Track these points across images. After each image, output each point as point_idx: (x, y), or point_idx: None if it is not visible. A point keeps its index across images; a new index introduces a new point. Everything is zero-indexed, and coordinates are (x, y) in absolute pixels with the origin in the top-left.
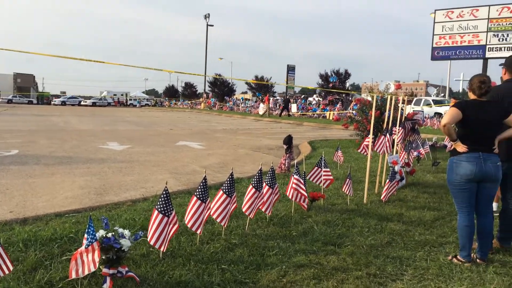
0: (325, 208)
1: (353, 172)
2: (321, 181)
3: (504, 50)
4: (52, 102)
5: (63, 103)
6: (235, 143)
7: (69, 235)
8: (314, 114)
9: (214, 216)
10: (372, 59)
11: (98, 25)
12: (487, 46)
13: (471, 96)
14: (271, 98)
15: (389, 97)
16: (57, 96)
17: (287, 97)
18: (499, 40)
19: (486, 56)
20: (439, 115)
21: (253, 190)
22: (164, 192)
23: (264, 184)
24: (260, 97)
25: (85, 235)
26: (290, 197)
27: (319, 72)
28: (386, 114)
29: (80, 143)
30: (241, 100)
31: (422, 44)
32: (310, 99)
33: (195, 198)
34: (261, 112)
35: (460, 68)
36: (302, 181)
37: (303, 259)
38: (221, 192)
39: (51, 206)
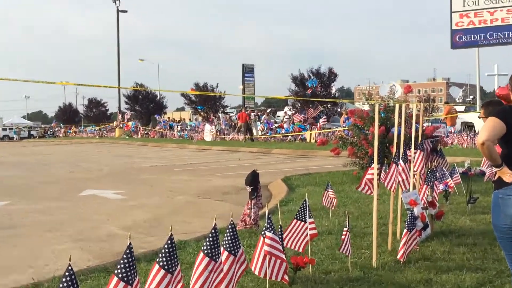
0: (315, 278)
1: (353, 221)
2: (302, 243)
3: None
4: None
5: None
6: (171, 187)
7: None
8: (286, 135)
9: None
10: (367, 51)
11: None
12: None
13: None
14: (223, 116)
15: (396, 105)
16: None
17: (246, 111)
18: None
19: None
20: (469, 127)
21: (206, 259)
22: None
23: (222, 249)
24: (203, 112)
25: None
26: (258, 273)
27: (290, 73)
28: (395, 131)
29: None
30: (177, 122)
31: (439, 28)
32: (280, 113)
33: (115, 280)
34: (207, 138)
35: (494, 57)
36: (278, 239)
37: None
38: (157, 267)
39: None
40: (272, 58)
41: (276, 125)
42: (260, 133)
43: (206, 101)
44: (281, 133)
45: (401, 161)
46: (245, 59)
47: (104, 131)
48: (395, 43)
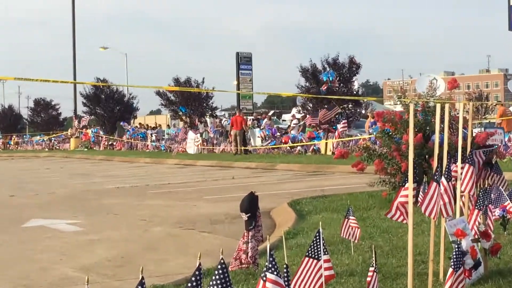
0: None
1: (382, 258)
2: (315, 287)
3: None
4: None
5: None
6: (144, 215)
7: None
8: (295, 146)
9: None
10: (399, 34)
11: None
12: None
13: None
14: (211, 120)
15: (438, 105)
16: None
17: (241, 115)
18: None
19: None
20: None
21: None
22: None
23: None
24: (185, 117)
25: None
26: None
27: (299, 64)
28: (436, 138)
29: None
30: (151, 130)
31: (494, 5)
32: (287, 117)
33: None
34: (191, 151)
35: None
36: (282, 283)
37: None
38: None
39: None
40: (275, 44)
41: (280, 133)
42: (260, 142)
43: (189, 101)
44: (284, 142)
45: (443, 179)
46: (240, 47)
47: (56, 142)
48: (437, 24)
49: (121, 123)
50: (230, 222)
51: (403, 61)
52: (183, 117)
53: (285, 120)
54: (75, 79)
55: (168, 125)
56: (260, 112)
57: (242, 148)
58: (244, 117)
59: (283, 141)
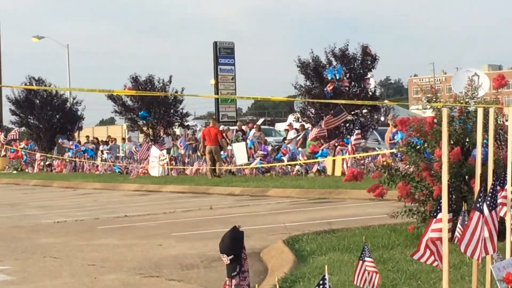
0: None
1: None
2: None
3: None
4: None
5: None
6: (92, 259)
7: None
8: (292, 165)
9: None
10: (429, 17)
11: None
12: None
13: None
14: (182, 131)
15: (480, 110)
16: None
17: (216, 125)
18: None
19: None
20: None
21: None
22: None
23: None
24: (146, 128)
25: None
26: None
27: (297, 56)
28: (478, 153)
29: None
30: (103, 145)
31: None
32: (281, 126)
33: None
34: (154, 172)
35: None
36: None
37: None
38: None
39: None
40: (264, 31)
41: (272, 146)
42: (244, 161)
43: (152, 107)
44: (282, 162)
45: (484, 207)
46: (219, 35)
47: None
48: (479, 5)
49: (60, 140)
50: (207, 266)
51: (434, 53)
52: (144, 128)
53: (279, 131)
54: None
55: (123, 138)
56: (246, 120)
57: (219, 168)
58: (221, 127)
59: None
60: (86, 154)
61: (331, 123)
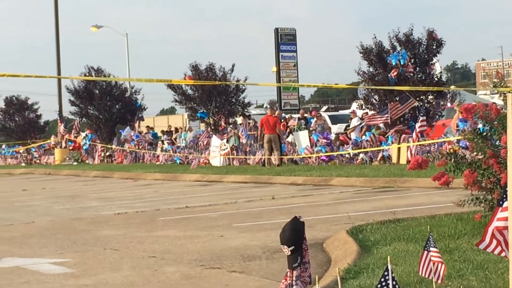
0: None
1: None
2: None
3: None
4: None
5: None
6: (153, 251)
7: None
8: (355, 152)
9: None
10: (496, 1)
11: None
12: None
13: None
14: (243, 121)
15: None
16: None
17: (276, 114)
18: None
19: None
20: None
21: None
22: None
23: None
24: (207, 118)
25: None
26: None
27: (359, 42)
28: None
29: None
30: (165, 135)
31: None
32: (345, 113)
33: None
34: (216, 162)
35: None
36: None
37: None
38: None
39: None
40: (326, 16)
41: (334, 135)
42: (303, 149)
43: (212, 96)
44: (347, 149)
45: None
46: (278, 19)
47: (35, 154)
48: None
49: (120, 131)
50: (269, 257)
51: (503, 36)
52: (206, 119)
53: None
54: (59, 69)
55: (184, 129)
56: (309, 108)
57: (280, 157)
58: (280, 115)
59: (340, 141)
60: (146, 144)
61: (398, 110)
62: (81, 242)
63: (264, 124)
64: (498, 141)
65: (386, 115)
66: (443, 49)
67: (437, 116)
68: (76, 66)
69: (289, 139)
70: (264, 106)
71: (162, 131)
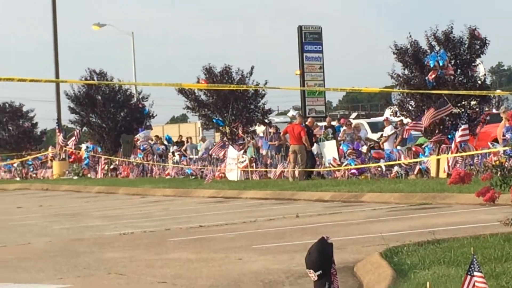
0: None
1: None
2: None
3: None
4: None
5: None
6: (164, 275)
7: None
8: (391, 165)
9: None
10: None
11: None
12: None
13: None
14: (263, 130)
15: None
16: None
17: (301, 122)
18: None
19: None
20: None
21: None
22: None
23: None
24: (222, 127)
25: None
26: None
27: (393, 41)
28: None
29: None
30: (175, 145)
31: None
32: (378, 120)
33: None
34: (232, 176)
35: None
36: None
37: None
38: None
39: None
40: (355, 13)
41: (368, 144)
42: (329, 162)
43: (227, 103)
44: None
45: None
46: (304, 19)
47: (32, 168)
48: None
49: (142, 133)
50: (293, 283)
51: None
52: (221, 127)
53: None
54: (57, 72)
55: (198, 138)
56: (337, 115)
57: (305, 170)
58: (305, 123)
59: (374, 157)
60: (154, 155)
61: (435, 116)
62: (83, 265)
63: (289, 133)
64: None
65: (420, 123)
66: (487, 49)
67: (481, 123)
68: (76, 69)
69: (314, 149)
70: (290, 113)
71: (176, 141)
